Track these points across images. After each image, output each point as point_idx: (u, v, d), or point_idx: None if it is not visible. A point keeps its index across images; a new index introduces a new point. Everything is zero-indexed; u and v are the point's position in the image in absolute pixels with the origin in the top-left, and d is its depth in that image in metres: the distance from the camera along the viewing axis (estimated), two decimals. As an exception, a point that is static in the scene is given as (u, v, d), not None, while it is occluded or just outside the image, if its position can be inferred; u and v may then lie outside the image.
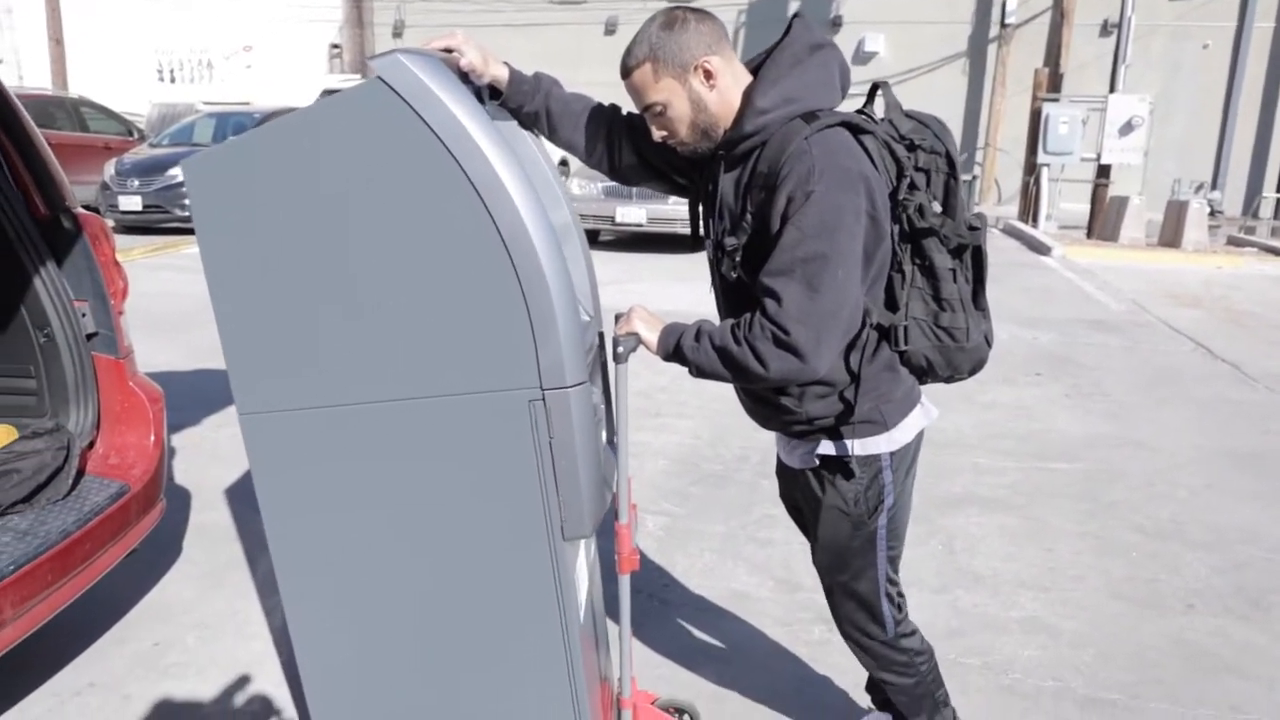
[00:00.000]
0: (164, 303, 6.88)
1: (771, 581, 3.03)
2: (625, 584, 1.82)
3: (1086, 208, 12.67)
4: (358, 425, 1.53)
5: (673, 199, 9.65)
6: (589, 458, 1.55)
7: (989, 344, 1.69)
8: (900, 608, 1.86)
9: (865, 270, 1.56)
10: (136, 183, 10.58)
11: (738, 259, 1.62)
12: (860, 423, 1.66)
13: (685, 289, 8.15)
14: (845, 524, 1.74)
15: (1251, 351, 6.47)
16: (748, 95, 1.58)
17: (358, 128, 1.42)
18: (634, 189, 9.77)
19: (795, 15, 1.64)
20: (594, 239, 10.70)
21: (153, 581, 2.91)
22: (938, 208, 1.59)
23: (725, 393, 4.99)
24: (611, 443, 1.80)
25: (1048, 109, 11.94)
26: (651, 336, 1.66)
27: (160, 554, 3.06)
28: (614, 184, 9.80)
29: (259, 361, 1.52)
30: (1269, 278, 10.09)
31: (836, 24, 16.68)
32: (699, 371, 1.61)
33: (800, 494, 1.83)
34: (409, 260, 1.45)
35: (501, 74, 1.72)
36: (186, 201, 9.70)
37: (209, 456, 3.98)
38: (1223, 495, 3.87)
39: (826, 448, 1.71)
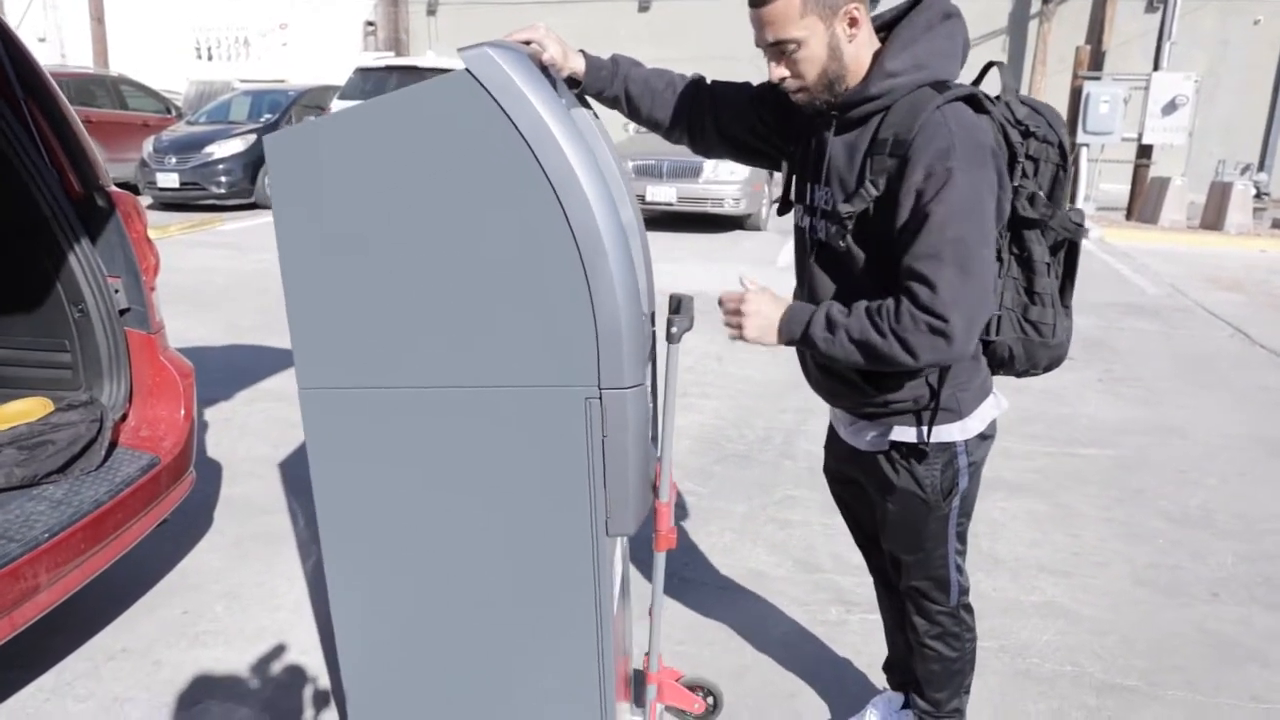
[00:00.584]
0: (200, 278, 7.00)
1: (790, 562, 3.04)
2: (661, 561, 1.85)
3: (1126, 189, 12.41)
4: (413, 408, 1.57)
5: (704, 178, 9.63)
6: (639, 458, 1.57)
7: (1068, 341, 1.68)
8: (965, 576, 1.85)
9: None
10: (174, 160, 10.73)
11: (849, 226, 1.54)
12: (940, 409, 1.64)
13: (715, 269, 8.14)
14: (921, 508, 1.73)
15: (1292, 337, 6.33)
16: (877, 56, 1.53)
17: (441, 118, 1.43)
18: (665, 167, 9.74)
19: None
20: (624, 218, 10.69)
21: (183, 552, 2.99)
22: (1044, 200, 1.56)
23: (750, 374, 5.01)
24: (654, 431, 1.82)
25: (1088, 87, 11.68)
26: (768, 334, 1.59)
27: (190, 525, 3.14)
28: (645, 162, 9.81)
29: (324, 338, 1.55)
30: (1312, 261, 9.85)
31: (875, 1, 16.43)
32: (832, 362, 1.59)
33: (865, 474, 1.81)
34: (480, 251, 1.48)
35: (579, 65, 1.74)
36: (223, 179, 9.85)
37: (239, 430, 4.06)
38: (1254, 484, 3.81)
39: (902, 433, 1.68)
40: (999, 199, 1.49)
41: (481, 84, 1.40)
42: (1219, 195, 11.25)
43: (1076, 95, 12.03)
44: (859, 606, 2.74)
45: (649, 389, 1.68)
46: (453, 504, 1.61)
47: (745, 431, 4.23)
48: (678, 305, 1.68)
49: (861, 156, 1.53)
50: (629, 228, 1.58)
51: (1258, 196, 12.07)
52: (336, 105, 9.86)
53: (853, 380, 1.67)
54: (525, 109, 1.40)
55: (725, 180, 9.64)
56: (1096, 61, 12.87)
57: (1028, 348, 1.65)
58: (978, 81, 1.63)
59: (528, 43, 1.60)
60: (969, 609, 1.88)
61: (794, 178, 1.73)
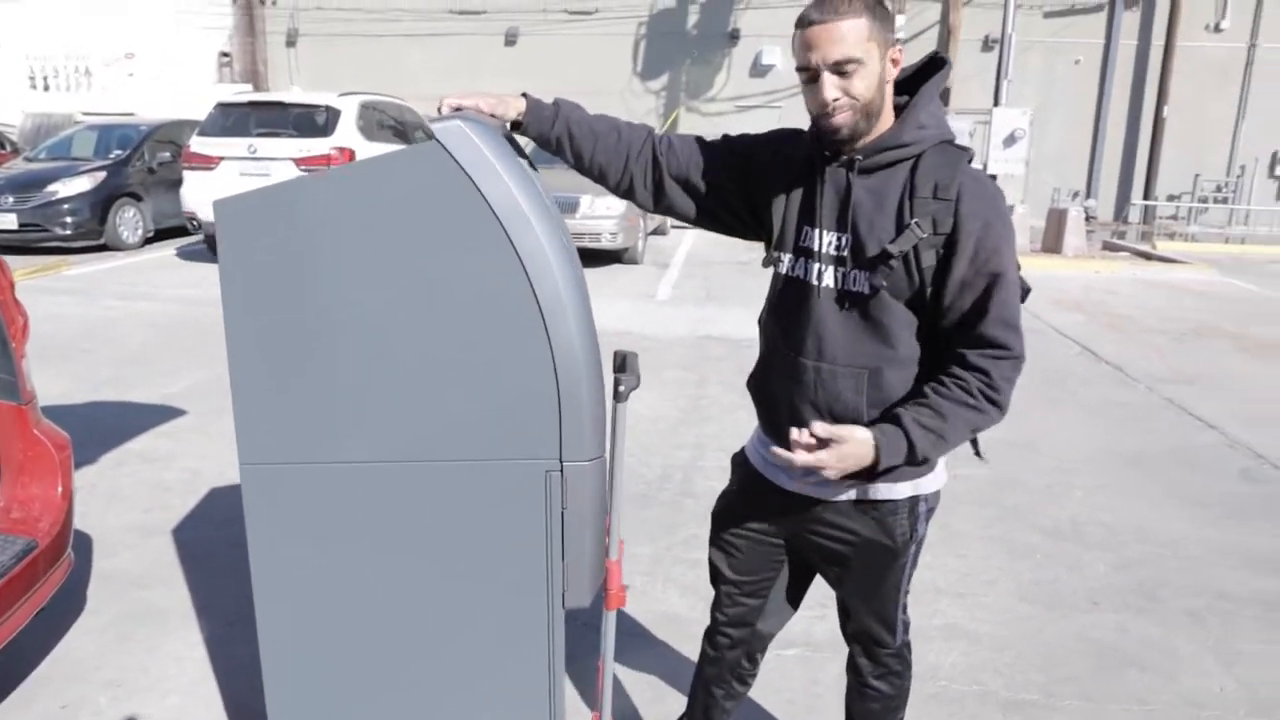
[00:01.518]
0: (48, 328, 6.51)
1: (704, 604, 3.06)
2: (611, 620, 1.80)
3: (975, 216, 13.21)
4: (363, 483, 1.51)
5: (581, 213, 9.68)
6: (596, 528, 1.56)
7: None
8: (908, 614, 1.89)
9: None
10: (12, 199, 9.97)
11: (894, 266, 1.54)
12: (924, 460, 1.62)
13: (596, 305, 8.13)
14: (886, 556, 1.74)
15: (1131, 354, 6.88)
16: (910, 109, 1.56)
17: (410, 189, 1.41)
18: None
19: (937, 52, 1.66)
20: (501, 253, 10.62)
21: (56, 637, 2.76)
22: None
23: (639, 410, 5.04)
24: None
25: (937, 122, 12.42)
26: (866, 458, 1.56)
27: (63, 607, 2.90)
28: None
29: (270, 410, 1.49)
30: (1141, 281, 10.75)
31: (735, 37, 17.00)
32: (943, 454, 1.63)
33: (818, 526, 1.76)
34: (442, 321, 1.45)
35: (520, 105, 1.69)
36: (68, 219, 9.16)
37: (108, 497, 3.79)
38: (1114, 495, 4.11)
39: (885, 491, 1.68)
40: None
41: (454, 158, 1.39)
42: (1056, 221, 12.17)
43: (926, 129, 12.77)
44: (777, 643, 2.78)
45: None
46: (403, 584, 1.56)
47: (642, 470, 4.25)
48: (622, 363, 1.66)
49: (897, 200, 1.55)
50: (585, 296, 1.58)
51: (1088, 221, 13.12)
52: (197, 142, 9.40)
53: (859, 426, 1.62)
54: (497, 185, 1.41)
55: (602, 215, 9.73)
56: (944, 98, 13.70)
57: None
58: None
59: (459, 109, 1.58)
60: (909, 646, 1.93)
61: (788, 223, 1.68)
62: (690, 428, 4.85)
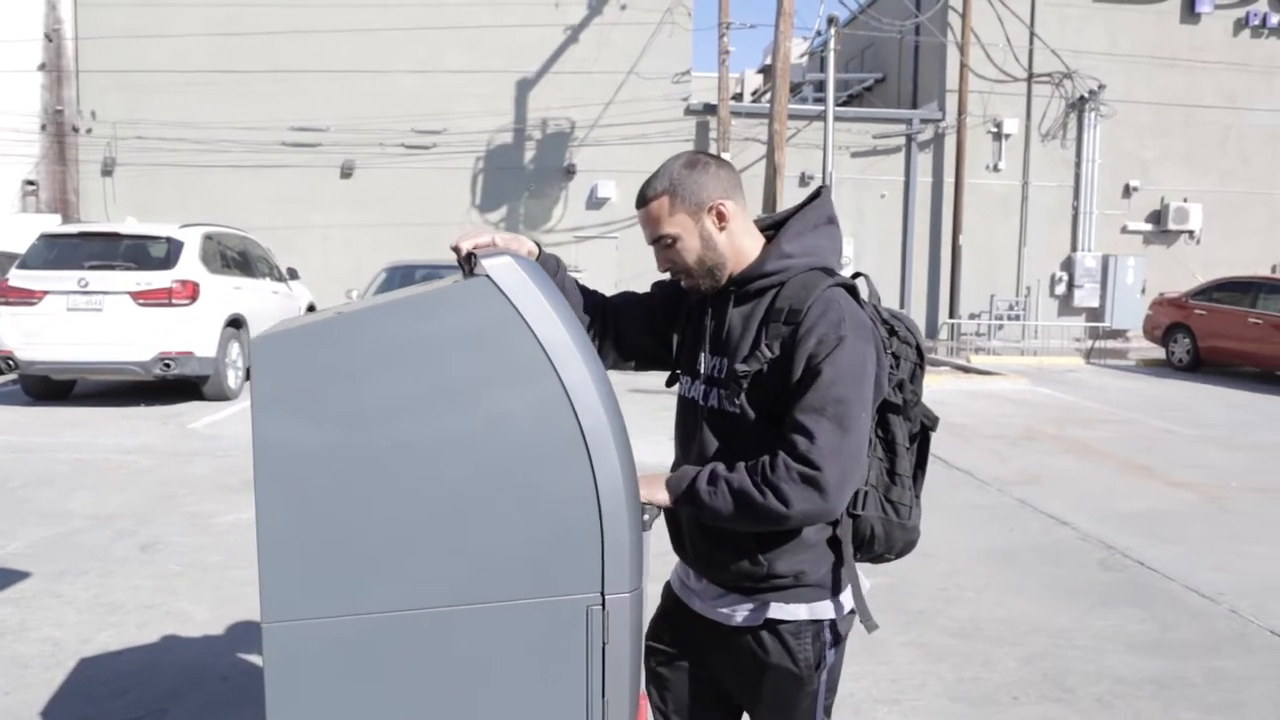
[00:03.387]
0: None
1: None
2: None
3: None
4: (401, 633, 1.42)
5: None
6: (635, 662, 1.51)
7: (918, 528, 1.78)
8: None
9: None
10: None
11: (744, 385, 1.64)
12: (813, 585, 1.69)
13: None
14: (793, 683, 1.73)
15: (976, 459, 7.46)
16: (775, 241, 1.70)
17: (457, 323, 1.39)
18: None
19: (822, 185, 1.81)
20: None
21: None
22: (911, 390, 1.72)
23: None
24: None
25: (769, 250, 13.36)
26: (659, 492, 1.65)
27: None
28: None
29: (304, 564, 1.39)
30: (966, 392, 11.74)
31: (570, 172, 17.70)
32: (713, 516, 1.61)
33: (725, 652, 1.78)
34: (489, 458, 1.40)
35: (531, 248, 1.78)
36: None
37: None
38: (1001, 593, 4.40)
39: (780, 610, 1.70)
40: (877, 375, 1.63)
41: (503, 292, 1.40)
42: (882, 339, 13.18)
43: (760, 257, 13.67)
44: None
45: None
46: None
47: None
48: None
49: (757, 324, 1.66)
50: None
51: (908, 338, 14.28)
52: (16, 275, 8.69)
53: (745, 548, 1.68)
54: (544, 318, 1.41)
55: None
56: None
57: (887, 528, 1.72)
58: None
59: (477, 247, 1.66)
60: None
61: (683, 351, 1.82)
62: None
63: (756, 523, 1.59)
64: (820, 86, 15.71)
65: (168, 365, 8.74)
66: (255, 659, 3.57)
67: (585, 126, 17.63)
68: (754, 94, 25.99)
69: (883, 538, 1.73)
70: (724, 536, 1.69)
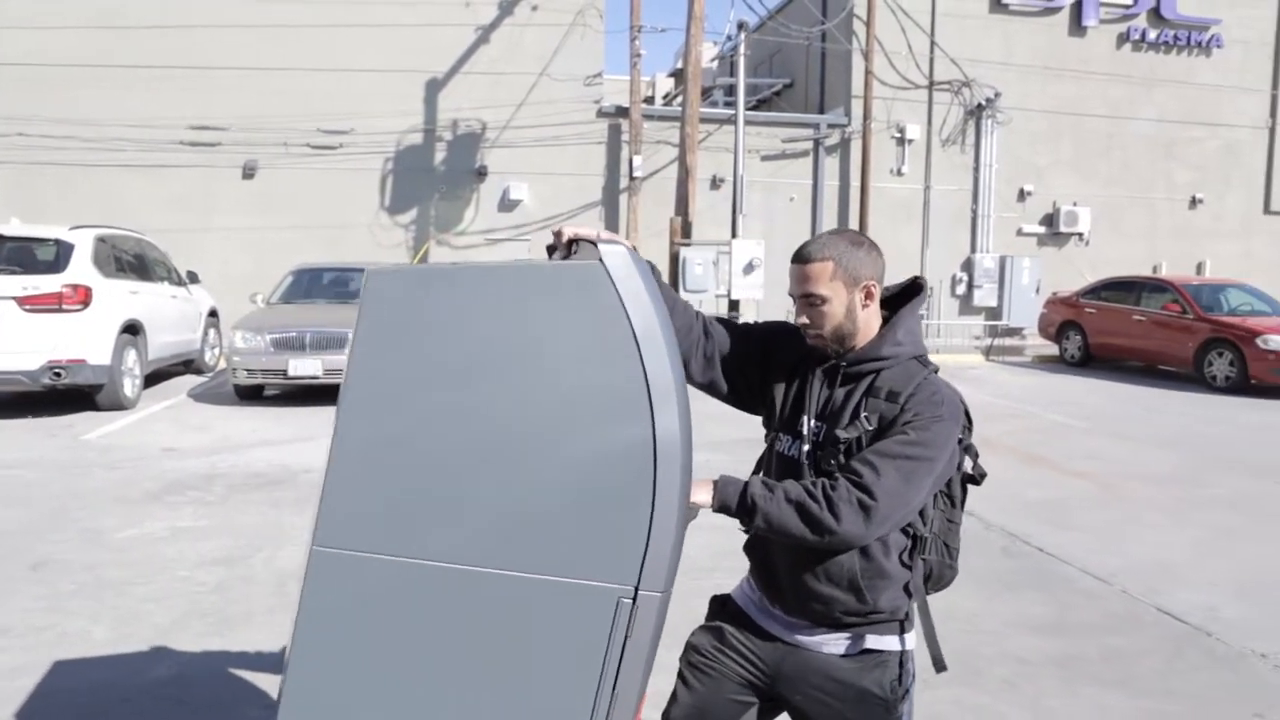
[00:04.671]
0: None
1: None
2: None
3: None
4: (437, 585, 1.46)
5: (348, 349, 9.36)
6: (650, 663, 1.52)
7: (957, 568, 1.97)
8: None
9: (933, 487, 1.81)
10: None
11: (842, 449, 1.79)
12: (899, 620, 1.86)
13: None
14: (879, 709, 1.85)
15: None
16: (890, 328, 1.87)
17: (561, 300, 1.45)
18: (309, 339, 9.34)
19: (918, 277, 1.96)
20: (258, 394, 9.98)
21: None
22: (973, 452, 1.91)
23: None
24: None
25: (684, 253, 13.50)
26: (702, 494, 1.70)
27: None
28: (285, 335, 9.32)
29: (363, 496, 1.44)
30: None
31: (482, 174, 17.52)
32: (765, 521, 1.70)
33: (815, 676, 1.87)
34: (559, 435, 1.44)
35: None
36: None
37: None
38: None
39: (875, 641, 1.85)
40: (951, 453, 1.81)
41: (612, 279, 1.44)
42: (793, 339, 13.45)
43: (675, 259, 13.79)
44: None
45: None
46: (444, 691, 1.47)
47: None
48: None
49: (858, 398, 1.83)
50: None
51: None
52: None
53: (852, 585, 1.81)
54: (643, 311, 1.46)
55: (373, 348, 9.48)
56: (686, 231, 14.93)
57: (939, 569, 1.90)
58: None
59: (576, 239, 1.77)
60: None
61: (784, 413, 1.93)
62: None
63: (800, 531, 1.70)
64: (731, 90, 15.96)
65: (58, 374, 8.31)
66: (162, 676, 3.43)
67: (497, 128, 17.49)
68: (666, 97, 26.20)
69: (936, 578, 1.91)
70: (825, 575, 1.81)
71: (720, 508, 1.74)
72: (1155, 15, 19.29)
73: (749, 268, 13.41)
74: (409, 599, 1.46)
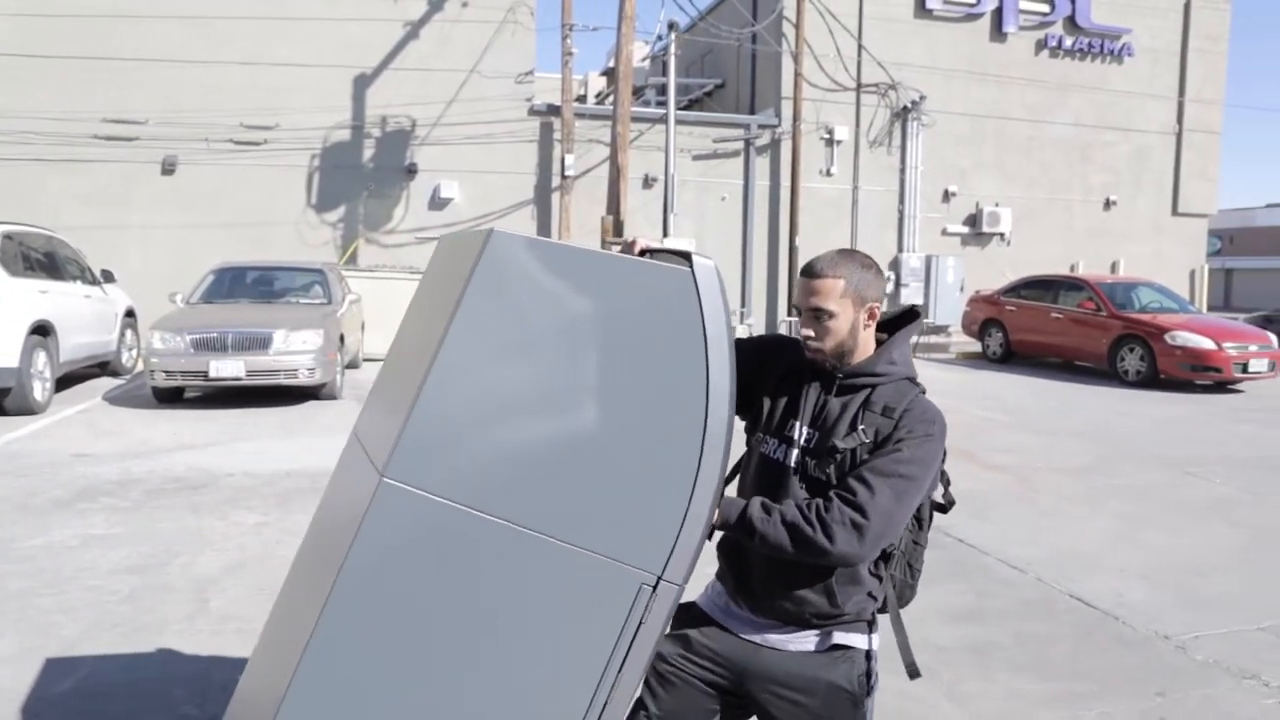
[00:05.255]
0: None
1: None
2: None
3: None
4: (486, 538, 1.55)
5: (274, 349, 9.18)
6: (652, 652, 1.61)
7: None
8: None
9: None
10: None
11: (838, 459, 1.88)
12: (866, 621, 1.97)
13: (297, 444, 7.71)
14: (846, 704, 1.93)
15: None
16: (885, 348, 1.96)
17: (646, 297, 1.58)
18: (230, 339, 9.09)
19: (914, 306, 2.06)
20: (178, 396, 9.69)
21: None
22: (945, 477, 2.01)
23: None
24: None
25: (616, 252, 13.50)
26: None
27: None
28: (206, 335, 9.07)
29: (444, 441, 1.53)
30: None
31: (412, 171, 17.28)
32: (762, 541, 1.79)
33: (783, 674, 1.94)
34: (622, 418, 1.57)
35: None
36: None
37: None
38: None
39: (843, 638, 1.94)
40: (935, 474, 1.92)
41: (697, 288, 1.59)
42: (726, 337, 13.57)
43: (606, 258, 13.79)
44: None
45: None
46: (468, 637, 1.56)
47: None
48: None
49: (854, 411, 1.92)
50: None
51: (750, 336, 14.78)
52: None
53: (824, 589, 1.90)
54: (717, 321, 1.60)
55: (298, 350, 9.26)
56: (618, 230, 14.94)
57: (901, 587, 2.01)
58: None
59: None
60: None
61: (775, 414, 2.01)
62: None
63: (795, 552, 1.79)
64: (663, 90, 16.03)
65: (-40, 378, 7.94)
66: (69, 689, 3.31)
67: (427, 125, 17.28)
68: (598, 96, 26.20)
69: (898, 595, 2.01)
70: (798, 579, 1.90)
71: (721, 524, 1.83)
72: (1071, 23, 19.97)
73: (681, 267, 13.50)
74: (459, 545, 1.54)
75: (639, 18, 16.64)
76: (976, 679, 3.49)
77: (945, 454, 1.96)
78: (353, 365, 12.24)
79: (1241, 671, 3.63)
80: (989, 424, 9.32)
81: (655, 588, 1.58)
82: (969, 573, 4.74)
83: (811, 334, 1.93)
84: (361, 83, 17.06)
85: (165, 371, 9.05)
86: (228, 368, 8.97)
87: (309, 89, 16.64)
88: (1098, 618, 4.18)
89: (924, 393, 1.97)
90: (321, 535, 1.92)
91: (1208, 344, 11.88)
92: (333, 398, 9.97)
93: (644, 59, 22.11)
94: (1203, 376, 12.04)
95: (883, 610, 2.01)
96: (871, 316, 1.95)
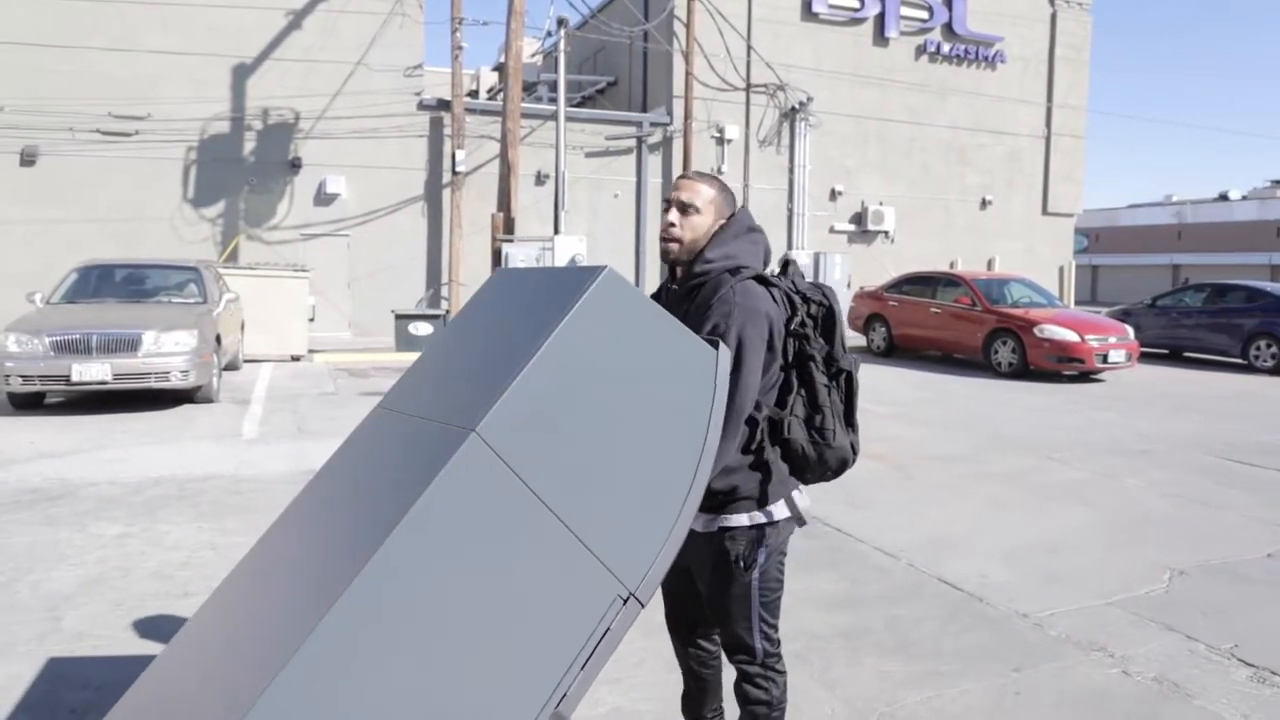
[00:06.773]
0: None
1: None
2: None
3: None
4: (522, 508, 1.69)
5: (144, 351, 8.75)
6: (605, 663, 1.74)
7: (855, 452, 2.28)
8: (772, 641, 2.37)
9: (763, 379, 2.17)
10: None
11: None
12: (745, 499, 2.22)
13: (172, 450, 7.37)
14: (726, 576, 2.26)
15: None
16: (701, 251, 2.24)
17: (685, 356, 1.94)
18: (95, 341, 8.61)
19: (742, 206, 2.33)
20: (38, 403, 9.13)
21: None
22: (821, 342, 2.24)
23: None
24: None
25: (507, 249, 13.39)
26: None
27: None
28: (68, 336, 8.58)
29: (527, 419, 1.70)
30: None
31: (296, 165, 16.74)
32: None
33: (696, 555, 2.27)
34: (644, 448, 1.83)
35: None
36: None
37: None
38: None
39: (726, 520, 2.23)
40: (771, 346, 2.17)
41: (717, 361, 1.97)
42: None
43: (497, 255, 13.65)
44: None
45: None
46: (482, 599, 1.66)
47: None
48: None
49: (681, 312, 2.15)
50: None
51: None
52: None
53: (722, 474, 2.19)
54: (724, 383, 1.96)
55: (170, 352, 8.84)
56: (509, 227, 14.80)
57: (818, 449, 2.22)
58: (781, 272, 2.33)
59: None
60: (776, 668, 2.38)
61: None
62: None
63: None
64: (554, 87, 15.96)
65: None
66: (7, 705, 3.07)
67: (311, 118, 16.77)
68: (490, 91, 25.90)
69: (815, 458, 2.23)
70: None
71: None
72: (948, 30, 20.82)
73: (571, 264, 13.47)
74: (499, 509, 1.67)
75: (529, 13, 16.56)
76: (846, 664, 3.61)
77: (772, 325, 2.16)
78: (232, 367, 11.77)
79: (1090, 644, 3.85)
80: (869, 415, 9.63)
81: (626, 602, 1.74)
82: (844, 560, 4.90)
83: (675, 223, 2.23)
84: (241, 72, 16.42)
85: (22, 376, 8.50)
86: (92, 371, 8.49)
87: (184, 78, 15.93)
88: (962, 599, 4.38)
89: (749, 278, 2.18)
90: (338, 507, 1.94)
91: (1072, 337, 12.58)
92: (209, 401, 9.56)
93: (534, 54, 21.99)
94: (1068, 367, 12.74)
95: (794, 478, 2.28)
96: (722, 229, 2.25)
